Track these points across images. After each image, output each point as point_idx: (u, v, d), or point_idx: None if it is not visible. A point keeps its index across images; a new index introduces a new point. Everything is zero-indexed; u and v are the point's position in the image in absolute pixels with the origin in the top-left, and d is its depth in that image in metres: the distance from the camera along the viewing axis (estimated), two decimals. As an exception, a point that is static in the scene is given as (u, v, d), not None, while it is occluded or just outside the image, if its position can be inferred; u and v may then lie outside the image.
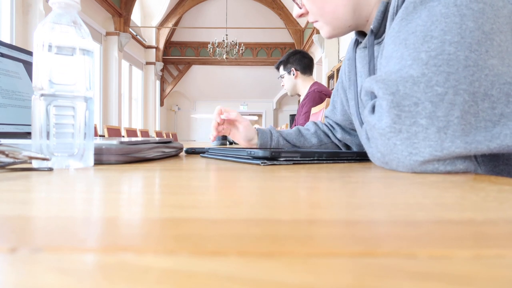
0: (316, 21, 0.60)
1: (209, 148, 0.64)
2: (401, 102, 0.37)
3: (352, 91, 0.71)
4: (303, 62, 1.97)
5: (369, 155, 0.44)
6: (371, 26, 0.56)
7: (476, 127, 0.37)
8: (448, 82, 0.37)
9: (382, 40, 0.56)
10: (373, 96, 0.46)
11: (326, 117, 0.88)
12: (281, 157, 0.46)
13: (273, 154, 0.46)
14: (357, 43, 0.67)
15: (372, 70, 0.58)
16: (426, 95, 0.37)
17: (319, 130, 0.86)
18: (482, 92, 0.37)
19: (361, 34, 0.65)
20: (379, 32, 0.56)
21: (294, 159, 0.47)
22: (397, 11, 0.46)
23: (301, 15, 0.61)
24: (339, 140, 0.83)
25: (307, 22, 8.45)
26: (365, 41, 0.60)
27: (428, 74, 0.37)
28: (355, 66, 0.67)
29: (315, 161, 0.49)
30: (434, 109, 0.36)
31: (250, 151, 0.47)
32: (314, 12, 0.59)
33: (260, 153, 0.46)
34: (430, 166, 0.37)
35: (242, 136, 0.81)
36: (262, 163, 0.45)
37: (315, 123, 0.88)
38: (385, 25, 0.54)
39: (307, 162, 0.48)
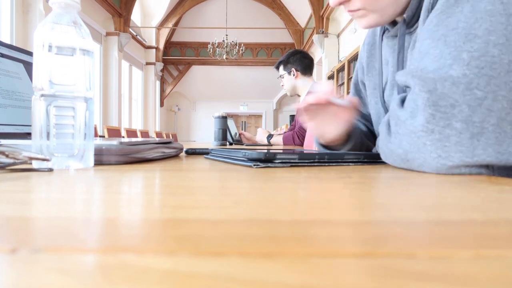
0: (359, 10, 0.52)
1: (212, 149, 0.62)
2: (438, 102, 0.36)
3: (372, 78, 0.67)
4: (303, 62, 1.96)
5: (385, 150, 0.42)
6: (404, 15, 0.52)
7: (511, 136, 0.35)
8: (488, 86, 0.35)
9: (414, 30, 0.53)
10: (401, 90, 0.43)
11: None
12: (277, 159, 0.43)
13: (268, 156, 0.43)
14: (383, 30, 0.61)
15: (401, 61, 0.55)
16: (464, 98, 0.35)
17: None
18: None
19: (391, 22, 0.57)
20: (411, 22, 0.52)
21: (292, 161, 0.44)
22: (435, 2, 0.43)
23: (341, 3, 0.52)
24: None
25: (307, 22, 8.45)
26: (395, 29, 0.56)
27: (469, 75, 0.36)
28: (381, 54, 0.62)
29: (316, 164, 0.45)
30: (471, 113, 0.35)
31: (245, 152, 0.45)
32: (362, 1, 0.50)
33: (254, 154, 0.43)
34: (457, 170, 0.36)
35: (337, 126, 0.57)
36: (254, 165, 0.42)
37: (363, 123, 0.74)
38: (418, 15, 0.50)
39: (306, 164, 0.45)
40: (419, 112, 0.37)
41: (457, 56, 0.37)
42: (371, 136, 0.71)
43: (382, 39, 0.62)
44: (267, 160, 0.43)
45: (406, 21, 0.52)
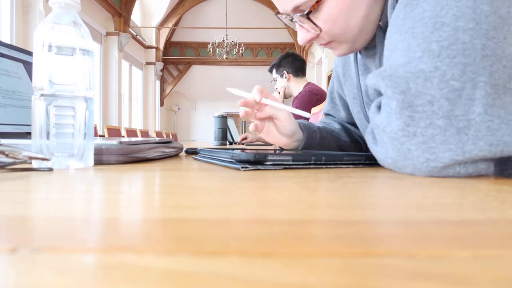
0: (330, 42, 0.52)
1: (200, 149, 0.58)
2: (414, 102, 0.33)
3: (350, 87, 0.66)
4: (295, 64, 1.98)
5: (378, 160, 0.40)
6: (380, 22, 0.50)
7: (507, 121, 0.32)
8: (465, 75, 0.32)
9: None
10: (378, 93, 0.41)
11: (327, 115, 0.80)
12: (268, 160, 0.39)
13: (258, 157, 0.39)
14: None
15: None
16: (441, 92, 0.33)
17: (345, 127, 0.74)
18: (502, 85, 0.33)
19: None
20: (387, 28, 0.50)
21: (285, 163, 0.40)
22: None
23: (310, 40, 0.52)
24: (360, 137, 0.73)
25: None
26: (372, 40, 0.54)
27: (441, 67, 0.33)
28: (356, 65, 0.60)
29: (312, 166, 0.42)
30: (451, 107, 0.32)
31: (233, 153, 0.41)
32: (333, 32, 0.50)
33: (243, 155, 0.39)
34: (451, 170, 0.33)
35: (282, 130, 0.60)
36: (242, 167, 0.38)
37: (328, 122, 0.76)
38: None
39: (301, 167, 0.41)
40: (395, 116, 0.34)
41: (426, 47, 0.34)
42: (347, 134, 0.74)
43: (357, 58, 0.60)
44: (256, 162, 0.39)
45: (382, 28, 0.51)
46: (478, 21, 0.33)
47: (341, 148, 0.70)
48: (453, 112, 0.32)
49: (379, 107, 0.38)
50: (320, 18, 0.48)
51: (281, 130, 0.60)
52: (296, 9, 0.48)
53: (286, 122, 0.60)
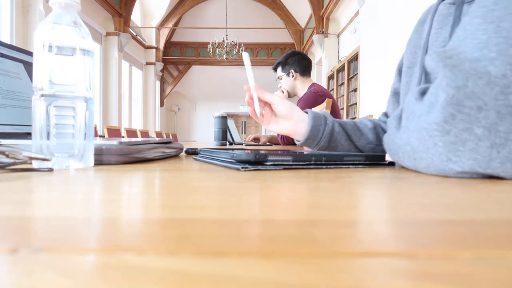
0: None
1: (200, 149, 0.58)
2: (463, 102, 0.31)
3: (410, 56, 0.59)
4: (302, 63, 1.94)
5: (391, 145, 0.37)
6: None
7: None
8: None
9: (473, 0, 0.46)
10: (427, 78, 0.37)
11: (385, 114, 0.71)
12: (268, 161, 0.39)
13: (258, 158, 0.39)
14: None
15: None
16: (496, 102, 0.30)
17: (379, 127, 0.68)
18: None
19: None
20: None
21: (285, 163, 0.40)
22: None
23: None
24: None
25: (307, 22, 8.45)
26: None
27: (510, 77, 0.31)
28: (431, 24, 0.54)
29: (312, 166, 0.41)
30: (498, 121, 0.30)
31: (233, 154, 0.41)
32: None
33: (243, 155, 0.39)
34: (466, 175, 0.32)
35: (278, 112, 0.60)
36: (242, 168, 0.38)
37: (372, 120, 0.71)
38: None
39: (301, 167, 0.41)
40: (437, 109, 0.33)
41: (505, 50, 0.31)
42: (376, 135, 0.66)
43: (436, 9, 0.54)
44: (257, 162, 0.39)
45: None
46: None
47: (361, 148, 0.64)
48: (496, 126, 0.31)
49: (422, 94, 0.36)
50: None
51: (277, 113, 0.60)
52: None
53: (277, 104, 0.60)
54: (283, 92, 1.97)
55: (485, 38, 0.33)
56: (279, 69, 1.98)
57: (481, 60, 0.32)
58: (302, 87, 1.95)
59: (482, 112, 0.31)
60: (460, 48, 0.36)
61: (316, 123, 0.59)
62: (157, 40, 9.56)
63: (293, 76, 1.93)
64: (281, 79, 1.98)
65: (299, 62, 1.94)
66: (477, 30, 0.35)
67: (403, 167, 0.41)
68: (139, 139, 0.56)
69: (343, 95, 6.03)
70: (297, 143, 0.62)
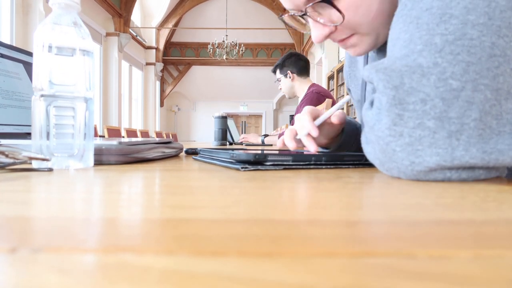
0: (351, 36, 0.46)
1: (200, 149, 0.58)
2: (405, 99, 0.31)
3: (355, 88, 0.62)
4: (299, 64, 1.97)
5: (369, 159, 0.37)
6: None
7: (498, 132, 0.30)
8: (466, 75, 0.30)
9: None
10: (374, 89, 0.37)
11: None
12: (268, 161, 0.39)
13: (258, 158, 0.39)
14: None
15: None
16: (437, 90, 0.30)
17: None
18: (506, 90, 0.30)
19: None
20: None
21: (285, 163, 0.40)
22: None
23: (328, 36, 0.46)
24: None
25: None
26: None
27: (442, 64, 0.30)
28: (366, 62, 0.56)
29: (312, 166, 0.42)
30: (446, 108, 0.30)
31: (233, 154, 0.41)
32: (355, 20, 0.44)
33: (243, 155, 0.39)
34: (440, 175, 0.31)
35: (330, 133, 0.56)
36: (242, 168, 0.38)
37: None
38: None
39: (301, 167, 0.41)
40: (383, 114, 0.32)
41: (429, 40, 0.32)
42: None
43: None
44: (257, 162, 0.39)
45: None
46: (491, 16, 0.30)
47: None
48: (446, 113, 0.30)
49: (372, 103, 0.36)
50: (340, 6, 0.42)
51: (329, 134, 0.56)
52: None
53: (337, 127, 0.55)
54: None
55: (408, 36, 0.33)
56: (278, 71, 2.02)
57: (409, 55, 0.32)
58: (300, 87, 1.97)
59: (427, 104, 0.30)
60: (390, 53, 0.36)
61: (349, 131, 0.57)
62: (157, 41, 9.56)
63: (290, 77, 1.96)
64: (279, 81, 2.02)
65: (295, 63, 1.97)
66: (399, 33, 0.35)
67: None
68: (139, 139, 0.56)
69: (343, 95, 6.04)
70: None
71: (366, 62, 0.56)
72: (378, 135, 0.33)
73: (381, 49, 0.51)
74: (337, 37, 0.46)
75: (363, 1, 0.43)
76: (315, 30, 0.46)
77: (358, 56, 0.61)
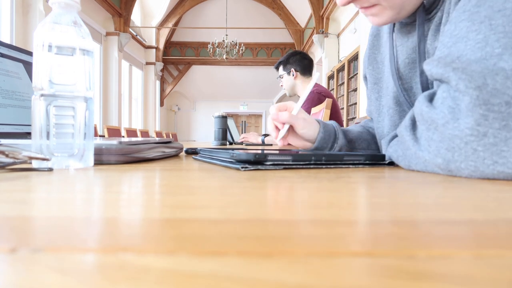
0: (374, 6, 0.47)
1: (200, 149, 0.58)
2: (490, 100, 0.30)
3: (373, 72, 0.62)
4: (303, 63, 1.97)
5: (410, 159, 0.36)
6: (424, 1, 0.47)
7: None
8: None
9: (433, 16, 0.48)
10: (424, 84, 0.37)
11: (371, 120, 0.74)
12: (268, 160, 0.39)
13: (258, 157, 0.39)
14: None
15: (422, 53, 0.49)
16: None
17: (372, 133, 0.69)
18: None
19: None
20: (430, 8, 0.48)
21: (285, 163, 0.40)
22: None
23: (351, 1, 0.47)
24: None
25: (307, 22, 8.45)
26: (411, 16, 0.51)
27: None
28: (393, 43, 0.56)
29: (312, 166, 0.42)
30: None
31: (233, 153, 0.41)
32: None
33: (243, 155, 0.39)
34: None
35: (304, 136, 0.61)
36: (242, 167, 0.38)
37: (364, 126, 0.71)
38: (439, 0, 0.46)
39: (301, 167, 0.41)
40: (465, 113, 0.32)
41: (508, 43, 0.31)
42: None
43: (393, 29, 0.57)
44: (257, 162, 0.39)
45: (425, 7, 0.48)
46: None
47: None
48: None
49: (431, 100, 0.35)
50: None
51: (303, 137, 0.61)
52: None
53: (304, 130, 0.60)
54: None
55: (481, 37, 0.33)
56: (281, 68, 2.02)
57: (487, 59, 0.32)
58: (302, 86, 1.97)
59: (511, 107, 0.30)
60: (456, 53, 0.35)
61: (322, 145, 0.61)
62: (157, 40, 9.56)
63: (293, 75, 1.95)
64: (282, 77, 2.02)
65: (300, 61, 1.96)
66: (468, 33, 0.35)
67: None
68: (139, 138, 0.56)
69: (343, 95, 6.04)
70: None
71: (392, 39, 0.56)
72: (454, 134, 0.32)
73: (406, 26, 0.53)
74: (361, 4, 0.48)
75: None
76: None
77: (378, 40, 0.62)
